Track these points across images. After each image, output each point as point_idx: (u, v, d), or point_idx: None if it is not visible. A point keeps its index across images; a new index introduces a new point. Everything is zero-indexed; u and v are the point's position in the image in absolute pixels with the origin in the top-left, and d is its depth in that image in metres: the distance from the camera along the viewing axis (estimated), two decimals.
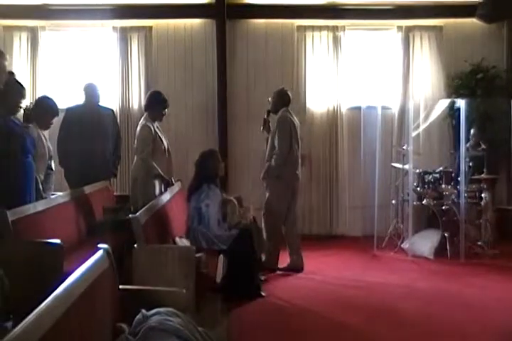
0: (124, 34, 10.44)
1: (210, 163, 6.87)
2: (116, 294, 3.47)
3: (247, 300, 6.45)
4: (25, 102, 6.10)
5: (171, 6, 10.44)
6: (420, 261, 8.70)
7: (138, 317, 3.28)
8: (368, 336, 5.61)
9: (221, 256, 6.43)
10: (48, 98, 7.22)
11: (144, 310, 3.33)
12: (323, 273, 8.01)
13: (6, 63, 5.62)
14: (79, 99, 8.35)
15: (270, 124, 8.29)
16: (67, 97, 9.48)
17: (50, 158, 7.05)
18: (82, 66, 10.52)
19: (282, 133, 8.04)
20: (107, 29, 10.49)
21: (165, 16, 10.55)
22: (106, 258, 3.33)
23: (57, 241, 4.47)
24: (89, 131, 7.92)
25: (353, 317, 6.12)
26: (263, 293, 6.76)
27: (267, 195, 8.14)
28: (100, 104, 8.40)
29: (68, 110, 8.14)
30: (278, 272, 7.97)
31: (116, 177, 8.81)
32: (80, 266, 2.96)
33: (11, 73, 5.88)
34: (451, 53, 10.65)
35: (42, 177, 6.59)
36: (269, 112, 8.34)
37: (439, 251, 8.83)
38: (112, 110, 8.69)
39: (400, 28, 10.75)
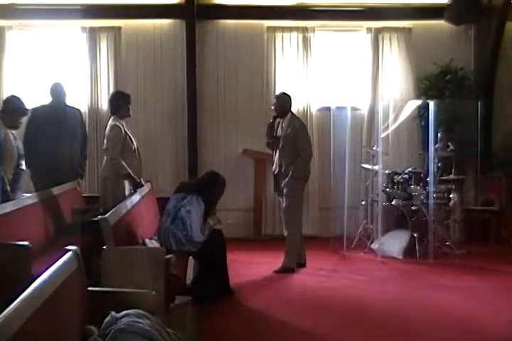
0: (93, 34, 10.38)
1: (217, 189, 6.81)
2: (85, 296, 3.44)
3: (216, 302, 6.44)
4: None
5: (141, 6, 10.42)
6: (389, 261, 8.75)
7: (107, 319, 3.25)
8: (335, 337, 5.61)
9: (191, 258, 6.42)
10: (15, 97, 7.15)
11: (113, 312, 3.30)
12: (292, 275, 8.01)
13: None
14: (46, 99, 8.27)
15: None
16: (35, 97, 9.39)
17: (20, 157, 6.99)
18: (50, 66, 10.43)
19: (305, 135, 8.33)
20: (76, 29, 10.41)
21: (134, 16, 10.51)
22: (74, 260, 3.30)
23: (25, 243, 4.43)
24: (56, 131, 7.82)
25: (321, 318, 6.12)
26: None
27: (288, 197, 8.15)
28: (67, 103, 8.32)
29: (34, 110, 8.03)
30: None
31: (82, 178, 8.70)
32: (48, 268, 2.93)
33: None
34: (420, 55, 10.74)
35: (10, 177, 6.52)
36: (275, 118, 8.35)
37: (408, 252, 8.89)
38: (79, 110, 8.60)
39: (369, 29, 10.82)
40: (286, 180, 8.09)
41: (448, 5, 10.49)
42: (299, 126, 8.28)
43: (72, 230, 6.40)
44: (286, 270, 8.07)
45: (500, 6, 10.49)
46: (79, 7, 10.23)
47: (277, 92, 10.23)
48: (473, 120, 10.39)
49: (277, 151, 8.29)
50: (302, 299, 6.88)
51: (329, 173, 10.20)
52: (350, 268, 8.48)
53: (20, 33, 10.46)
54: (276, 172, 8.32)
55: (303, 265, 8.29)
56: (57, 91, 8.15)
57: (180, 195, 6.60)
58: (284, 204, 8.24)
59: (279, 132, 8.28)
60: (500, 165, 10.62)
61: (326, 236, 10.31)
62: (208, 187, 6.71)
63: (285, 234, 8.29)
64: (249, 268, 8.30)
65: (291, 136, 8.14)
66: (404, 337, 5.58)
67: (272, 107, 8.45)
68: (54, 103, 8.13)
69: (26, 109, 7.12)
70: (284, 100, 8.38)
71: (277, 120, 8.35)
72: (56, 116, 7.96)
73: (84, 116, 9.23)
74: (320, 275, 8.03)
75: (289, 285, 7.51)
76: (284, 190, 8.17)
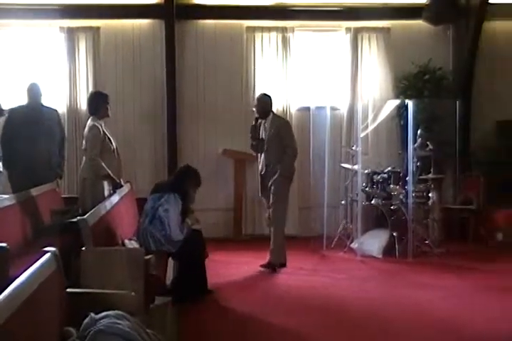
0: (72, 34, 10.32)
1: (189, 180, 6.80)
2: (64, 297, 3.42)
3: (196, 302, 6.43)
4: None
5: (119, 6, 10.38)
6: (369, 260, 8.78)
7: (86, 320, 3.24)
8: (316, 337, 5.62)
9: (170, 259, 6.41)
10: None
11: (92, 314, 3.29)
12: (272, 275, 8.02)
13: None
14: (23, 99, 8.21)
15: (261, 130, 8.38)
16: (12, 98, 9.33)
17: None
18: (28, 66, 10.34)
19: (290, 132, 8.34)
20: (54, 29, 10.35)
21: (113, 16, 10.47)
22: (53, 262, 3.29)
23: (3, 244, 4.41)
24: (33, 131, 7.79)
25: (301, 317, 6.11)
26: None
27: (275, 195, 8.16)
28: (44, 104, 8.27)
29: (11, 111, 8.00)
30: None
31: (61, 178, 8.67)
32: (26, 269, 2.92)
33: None
34: (399, 54, 10.79)
35: None
36: (257, 119, 8.36)
37: (388, 251, 8.93)
38: (56, 110, 8.55)
39: (348, 29, 10.85)
40: (275, 177, 8.10)
41: (426, 5, 10.54)
42: (282, 123, 8.33)
43: (51, 231, 6.37)
44: (271, 266, 8.10)
45: (478, 6, 10.57)
46: (57, 7, 10.16)
47: (257, 92, 10.27)
48: (452, 119, 10.45)
49: (262, 153, 8.30)
50: (282, 298, 6.88)
51: (309, 173, 10.21)
52: (330, 267, 8.50)
53: None
54: (263, 172, 8.32)
55: (283, 264, 8.29)
56: (33, 92, 8.11)
57: (156, 195, 6.59)
58: (270, 203, 8.23)
59: (263, 134, 8.29)
60: (479, 164, 10.69)
61: (305, 235, 10.32)
62: (182, 181, 6.72)
63: (271, 232, 8.32)
64: (230, 268, 8.31)
65: (276, 135, 8.16)
66: (384, 336, 5.60)
67: (254, 109, 8.45)
68: (31, 103, 8.09)
69: (3, 110, 7.08)
70: (265, 101, 8.39)
71: (259, 121, 8.35)
72: (33, 116, 7.93)
73: (63, 117, 9.21)
74: (300, 274, 8.05)
75: (269, 285, 7.52)
76: (272, 188, 8.17)
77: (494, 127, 10.97)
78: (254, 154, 8.69)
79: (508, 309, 6.36)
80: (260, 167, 8.40)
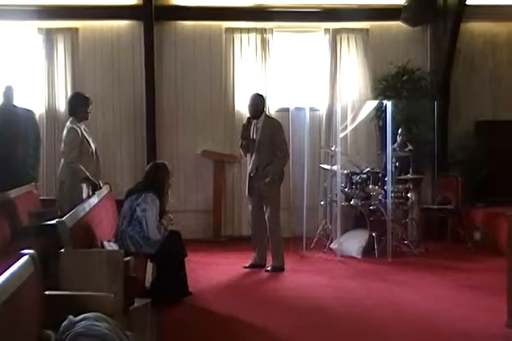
0: (50, 35, 10.29)
1: (160, 174, 6.79)
2: (43, 300, 3.41)
3: (176, 304, 6.42)
4: None
5: (98, 7, 10.36)
6: (348, 260, 8.81)
7: (65, 323, 3.22)
8: (297, 337, 5.63)
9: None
10: None
11: (71, 316, 3.28)
12: (253, 274, 8.04)
13: None
14: None
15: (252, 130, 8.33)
16: None
17: None
18: (5, 67, 10.28)
19: (282, 137, 8.33)
20: (32, 30, 10.31)
21: (92, 17, 10.44)
22: (31, 264, 3.27)
23: None
24: (7, 132, 7.75)
25: (281, 318, 6.11)
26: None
27: (268, 200, 8.18)
28: (18, 105, 8.23)
29: None
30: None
31: (36, 181, 8.59)
32: (4, 272, 2.90)
33: None
34: (378, 55, 10.85)
35: None
36: (249, 119, 8.33)
37: (367, 251, 8.96)
38: (32, 111, 8.51)
39: (327, 30, 10.89)
40: (267, 181, 8.07)
41: (404, 6, 10.61)
42: (275, 125, 8.33)
43: (29, 233, 6.33)
44: (276, 269, 8.12)
45: (455, 8, 10.63)
46: (35, 8, 10.12)
47: (236, 93, 10.33)
48: (430, 120, 10.52)
49: (253, 153, 8.28)
50: (262, 299, 6.89)
51: (288, 174, 10.19)
52: (310, 267, 8.52)
53: None
54: (252, 173, 8.29)
55: (263, 266, 8.29)
56: (6, 93, 8.07)
57: (133, 196, 6.58)
58: (267, 210, 8.20)
59: (254, 134, 8.26)
60: (457, 164, 10.77)
61: (285, 236, 10.27)
62: (154, 176, 6.71)
63: (268, 235, 8.32)
64: (209, 269, 8.30)
65: (268, 136, 8.15)
66: (363, 336, 5.61)
67: (248, 109, 8.44)
68: (5, 105, 8.06)
69: None
70: (258, 101, 8.37)
71: (251, 121, 8.31)
72: (8, 117, 7.89)
73: (41, 118, 9.16)
74: (280, 275, 8.04)
75: (249, 286, 7.53)
76: (265, 193, 8.15)
77: (472, 127, 11.05)
78: (243, 154, 8.59)
79: (486, 307, 6.39)
80: (250, 168, 8.34)
